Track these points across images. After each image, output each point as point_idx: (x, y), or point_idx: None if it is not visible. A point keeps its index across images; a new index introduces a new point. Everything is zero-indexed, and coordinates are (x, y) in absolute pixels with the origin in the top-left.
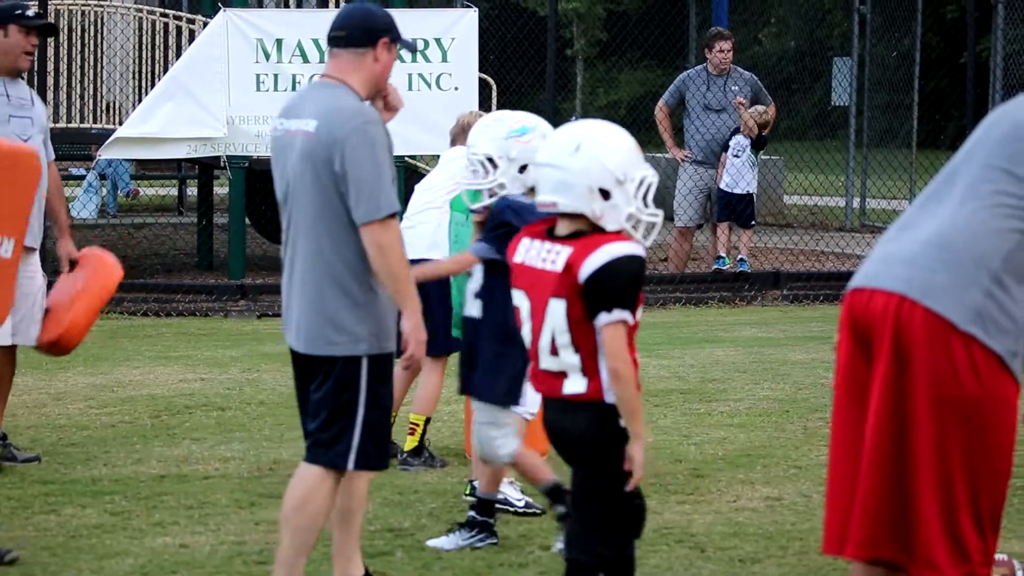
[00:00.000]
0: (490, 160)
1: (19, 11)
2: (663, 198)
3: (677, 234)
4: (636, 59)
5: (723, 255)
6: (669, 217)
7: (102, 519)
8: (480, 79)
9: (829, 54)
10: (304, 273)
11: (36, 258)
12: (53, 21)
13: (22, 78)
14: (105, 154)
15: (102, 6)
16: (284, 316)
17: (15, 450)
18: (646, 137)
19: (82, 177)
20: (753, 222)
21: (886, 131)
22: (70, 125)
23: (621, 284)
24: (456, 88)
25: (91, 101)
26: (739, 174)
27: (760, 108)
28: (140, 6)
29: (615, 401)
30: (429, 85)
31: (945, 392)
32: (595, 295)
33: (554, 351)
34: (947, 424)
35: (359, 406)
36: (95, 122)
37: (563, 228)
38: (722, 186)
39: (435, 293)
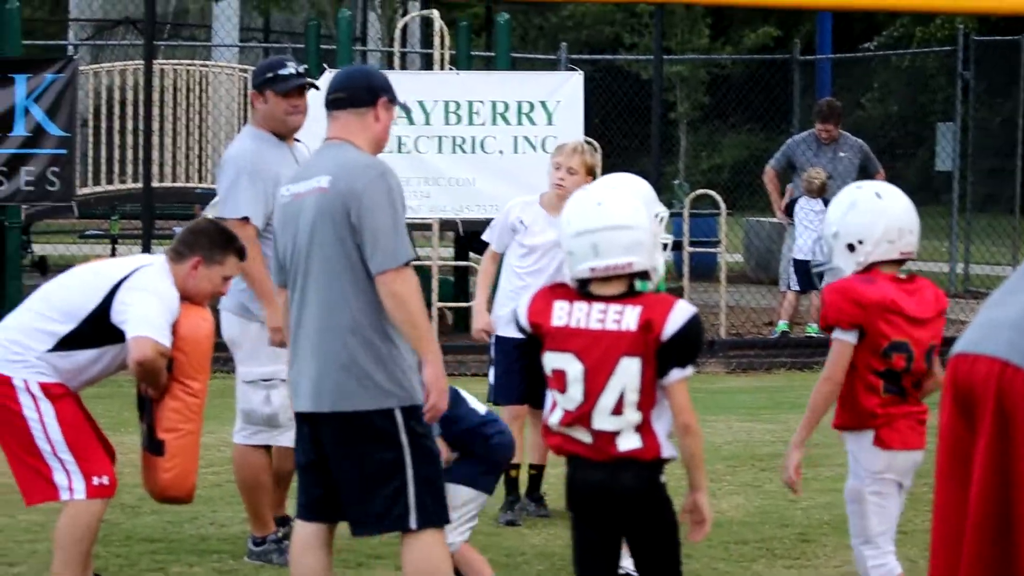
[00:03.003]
0: None
1: (271, 74)
2: (768, 262)
3: (783, 298)
4: (739, 123)
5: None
6: (775, 281)
7: None
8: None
9: (932, 119)
10: (320, 332)
11: None
12: (311, 78)
13: (299, 140)
14: (209, 213)
15: (207, 65)
16: (291, 383)
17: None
18: (749, 201)
19: None
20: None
21: (988, 196)
22: (174, 184)
23: (700, 340)
24: None
25: (197, 160)
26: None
27: (816, 170)
28: (244, 66)
29: (683, 455)
30: (535, 147)
31: None
32: (676, 352)
33: (618, 411)
34: None
35: (406, 462)
36: (200, 181)
37: (611, 288)
38: (799, 255)
39: None
